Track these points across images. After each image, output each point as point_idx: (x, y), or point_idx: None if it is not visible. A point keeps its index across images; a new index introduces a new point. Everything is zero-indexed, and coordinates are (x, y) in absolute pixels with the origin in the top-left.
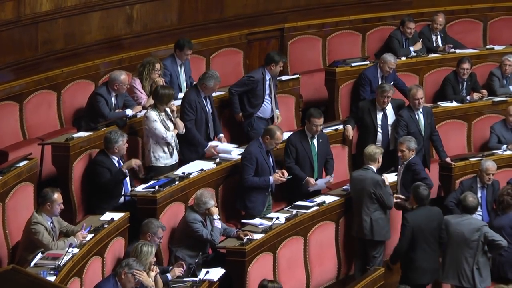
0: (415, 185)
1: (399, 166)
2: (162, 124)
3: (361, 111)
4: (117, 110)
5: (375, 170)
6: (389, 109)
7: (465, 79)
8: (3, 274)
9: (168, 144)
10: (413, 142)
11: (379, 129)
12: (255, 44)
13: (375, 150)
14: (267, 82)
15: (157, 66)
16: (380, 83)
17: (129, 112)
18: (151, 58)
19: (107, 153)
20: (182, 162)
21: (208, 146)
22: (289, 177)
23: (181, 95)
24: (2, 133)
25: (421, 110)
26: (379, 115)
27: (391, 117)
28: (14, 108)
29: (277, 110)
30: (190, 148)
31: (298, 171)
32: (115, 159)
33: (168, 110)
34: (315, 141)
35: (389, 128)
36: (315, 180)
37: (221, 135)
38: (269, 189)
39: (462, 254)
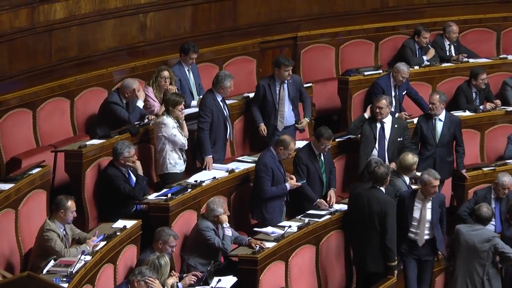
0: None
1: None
2: (178, 131)
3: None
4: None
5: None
6: (388, 122)
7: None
8: (18, 280)
9: (181, 151)
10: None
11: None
12: (268, 53)
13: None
14: (277, 88)
15: (165, 73)
16: (393, 92)
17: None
18: (162, 66)
19: (116, 165)
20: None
21: (209, 157)
22: (303, 181)
23: (194, 102)
24: (15, 140)
25: (441, 117)
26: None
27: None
28: (28, 115)
29: (306, 119)
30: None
31: (309, 192)
32: (124, 170)
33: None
34: (322, 156)
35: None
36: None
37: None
38: (285, 198)
39: (472, 264)
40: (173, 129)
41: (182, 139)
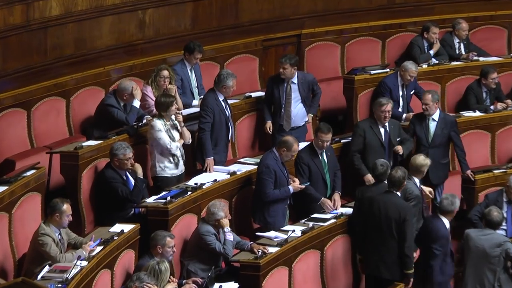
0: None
1: None
2: (167, 134)
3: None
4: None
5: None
6: (388, 125)
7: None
8: (12, 286)
9: (172, 155)
10: None
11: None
12: (271, 51)
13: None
14: (284, 86)
15: (164, 73)
16: (400, 91)
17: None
18: (162, 65)
19: (113, 167)
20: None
21: (210, 159)
22: (306, 183)
23: (195, 102)
24: (9, 141)
25: (435, 118)
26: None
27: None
28: (22, 116)
29: (310, 114)
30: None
31: (313, 191)
32: (122, 172)
33: (173, 118)
34: (324, 155)
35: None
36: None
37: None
38: (288, 201)
39: (482, 270)
40: (158, 132)
41: (167, 143)
